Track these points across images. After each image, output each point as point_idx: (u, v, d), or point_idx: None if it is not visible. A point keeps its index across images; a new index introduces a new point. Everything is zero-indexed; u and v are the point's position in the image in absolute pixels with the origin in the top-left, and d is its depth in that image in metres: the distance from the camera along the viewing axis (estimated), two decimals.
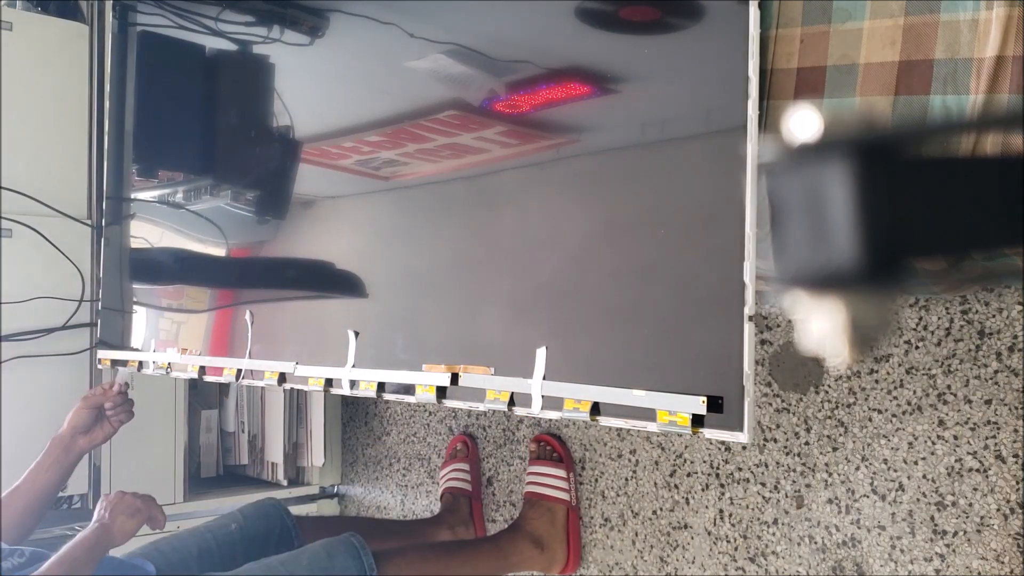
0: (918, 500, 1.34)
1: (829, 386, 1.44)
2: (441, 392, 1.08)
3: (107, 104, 1.77)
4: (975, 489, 1.29)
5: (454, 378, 1.07)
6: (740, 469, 1.55)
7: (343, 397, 2.26)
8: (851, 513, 1.41)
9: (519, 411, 1.01)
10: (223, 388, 2.18)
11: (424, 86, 1.19)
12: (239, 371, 1.38)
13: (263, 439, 2.18)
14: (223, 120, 1.57)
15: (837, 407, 1.42)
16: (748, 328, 0.83)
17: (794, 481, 1.48)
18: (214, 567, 1.50)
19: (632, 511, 1.70)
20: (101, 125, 1.80)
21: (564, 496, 1.73)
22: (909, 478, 1.35)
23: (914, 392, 1.34)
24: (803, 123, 0.39)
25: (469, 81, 1.13)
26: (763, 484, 1.52)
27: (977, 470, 1.29)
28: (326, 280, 1.34)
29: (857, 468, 1.40)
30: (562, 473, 1.74)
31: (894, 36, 0.83)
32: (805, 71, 0.89)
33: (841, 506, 1.42)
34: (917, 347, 1.34)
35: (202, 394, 2.16)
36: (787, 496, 1.48)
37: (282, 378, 1.30)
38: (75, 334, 1.77)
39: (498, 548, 1.66)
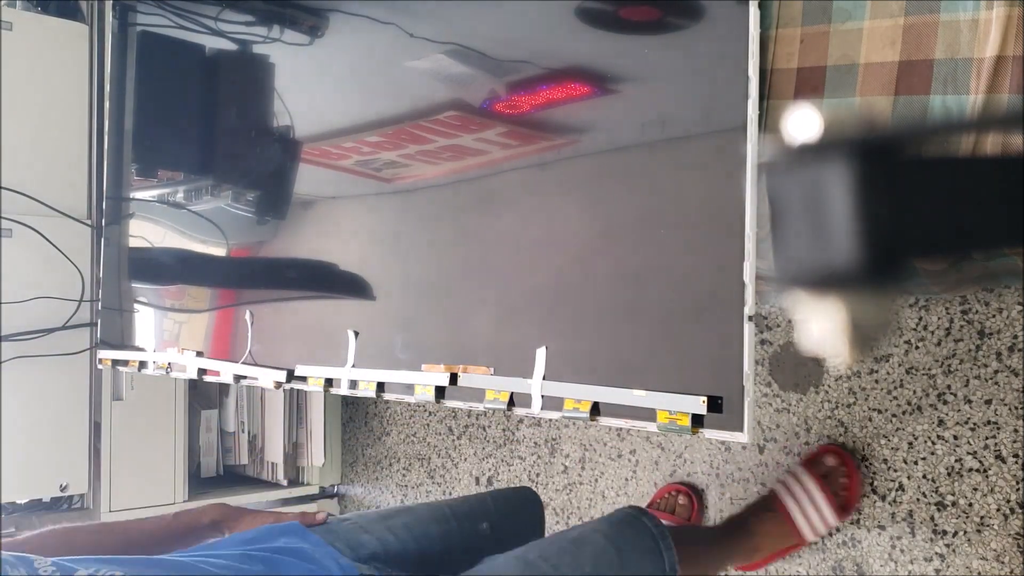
0: (918, 500, 1.34)
1: (829, 386, 1.43)
2: (440, 392, 1.08)
3: (107, 104, 1.77)
4: (975, 489, 1.29)
5: (453, 378, 1.07)
6: (740, 469, 1.55)
7: (343, 397, 2.26)
8: (851, 513, 1.41)
9: (519, 411, 1.01)
10: (223, 388, 2.18)
11: (424, 86, 1.19)
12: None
13: (263, 439, 2.19)
14: (223, 120, 1.57)
15: (837, 407, 1.42)
16: (748, 328, 0.83)
17: None
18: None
19: None
20: (101, 125, 1.80)
21: (810, 537, 1.40)
22: (909, 478, 1.34)
23: (914, 392, 1.34)
24: (803, 123, 0.39)
25: (469, 81, 1.13)
26: (763, 484, 1.51)
27: (977, 470, 1.29)
28: (326, 280, 1.34)
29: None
30: (834, 520, 1.39)
31: (894, 36, 0.83)
32: (805, 71, 0.88)
33: None
34: (917, 347, 1.34)
35: (202, 394, 2.16)
36: None
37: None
38: (75, 334, 1.77)
39: (725, 551, 1.41)
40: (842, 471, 1.40)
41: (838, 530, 1.42)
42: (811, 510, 1.38)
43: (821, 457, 1.42)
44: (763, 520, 1.41)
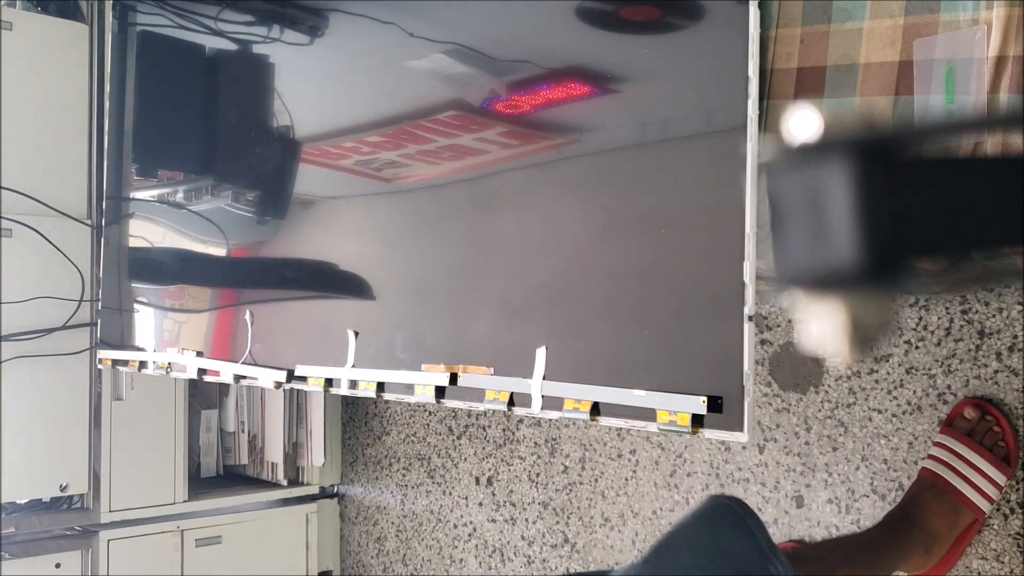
0: None
1: (829, 386, 1.44)
2: (440, 392, 1.08)
3: (107, 104, 1.77)
4: None
5: (453, 378, 1.07)
6: (740, 469, 1.55)
7: (343, 397, 2.26)
8: (851, 513, 1.41)
9: (519, 411, 1.01)
10: (223, 388, 2.18)
11: (424, 86, 1.19)
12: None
13: (263, 439, 2.19)
14: (223, 120, 1.57)
15: (837, 407, 1.42)
16: (748, 328, 0.83)
17: (794, 481, 1.48)
18: None
19: (632, 511, 1.70)
20: (101, 125, 1.80)
21: (984, 505, 1.22)
22: (909, 478, 1.34)
23: (914, 392, 1.34)
24: (803, 123, 0.39)
25: (469, 81, 1.13)
26: (763, 484, 1.52)
27: None
28: (326, 280, 1.34)
29: (857, 468, 1.40)
30: (999, 477, 1.22)
31: (894, 36, 0.83)
32: (805, 71, 0.88)
33: (841, 506, 1.42)
34: (917, 347, 1.34)
35: (202, 394, 2.16)
36: (787, 496, 1.48)
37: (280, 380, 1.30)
38: (75, 334, 1.77)
39: (894, 550, 1.23)
40: (989, 421, 1.24)
41: (1011, 488, 1.25)
42: (974, 474, 1.22)
43: (960, 414, 1.26)
44: (927, 502, 1.23)
